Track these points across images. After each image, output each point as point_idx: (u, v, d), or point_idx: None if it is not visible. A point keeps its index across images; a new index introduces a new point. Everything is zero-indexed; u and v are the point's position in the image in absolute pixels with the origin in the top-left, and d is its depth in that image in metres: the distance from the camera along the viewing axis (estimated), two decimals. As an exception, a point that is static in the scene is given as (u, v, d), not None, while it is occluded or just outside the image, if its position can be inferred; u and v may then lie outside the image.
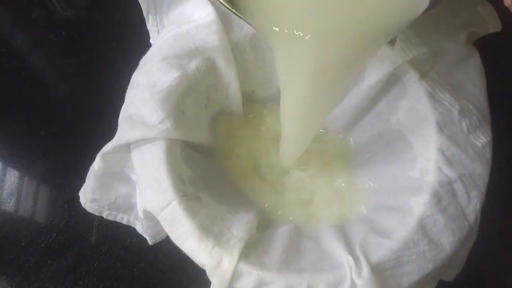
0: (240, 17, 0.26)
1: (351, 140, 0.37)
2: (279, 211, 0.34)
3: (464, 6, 0.32)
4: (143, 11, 0.34)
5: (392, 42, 0.30)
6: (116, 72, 0.42)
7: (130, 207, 0.32)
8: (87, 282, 0.36)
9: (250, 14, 0.25)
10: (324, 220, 0.33)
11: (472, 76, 0.31)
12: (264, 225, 0.31)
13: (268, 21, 0.25)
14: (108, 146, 0.29)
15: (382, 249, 0.26)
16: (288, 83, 0.27)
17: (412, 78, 0.31)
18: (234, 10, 0.26)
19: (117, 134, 0.29)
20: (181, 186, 0.27)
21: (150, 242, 0.32)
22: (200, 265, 0.26)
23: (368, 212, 0.32)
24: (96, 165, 0.29)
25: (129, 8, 0.39)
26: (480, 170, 0.29)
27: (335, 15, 0.23)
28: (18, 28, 0.46)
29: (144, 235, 0.32)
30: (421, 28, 0.31)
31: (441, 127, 0.29)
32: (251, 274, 0.25)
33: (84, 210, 0.31)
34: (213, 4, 0.31)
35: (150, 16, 0.34)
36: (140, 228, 0.32)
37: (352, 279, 0.25)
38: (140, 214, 0.29)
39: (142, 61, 0.31)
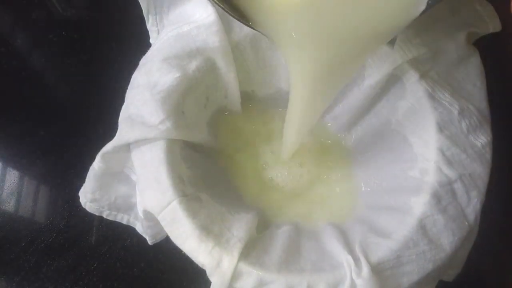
0: (242, 22, 0.26)
1: (351, 140, 0.37)
2: (279, 211, 0.34)
3: (463, 6, 0.32)
4: (143, 11, 0.34)
5: (392, 42, 0.30)
6: (116, 72, 0.41)
7: (130, 207, 0.32)
8: (87, 282, 0.36)
9: (251, 19, 0.26)
10: (324, 220, 0.33)
11: (472, 76, 0.31)
12: (264, 225, 0.31)
13: (269, 25, 0.25)
14: (108, 146, 0.29)
15: (382, 249, 0.26)
16: (296, 77, 0.28)
17: (411, 78, 0.31)
18: (233, 14, 0.26)
19: (117, 134, 0.29)
20: (181, 186, 0.27)
21: (150, 242, 0.32)
22: (200, 265, 0.26)
23: (368, 212, 0.32)
24: (96, 165, 0.29)
25: (129, 8, 0.39)
26: (480, 170, 0.29)
27: (335, 15, 0.23)
28: (18, 28, 0.46)
29: (144, 235, 0.32)
30: (421, 28, 0.31)
31: (441, 127, 0.29)
32: (251, 274, 0.25)
33: (84, 210, 0.31)
34: (213, 4, 0.31)
35: (150, 16, 0.34)
36: (140, 228, 0.32)
37: (352, 279, 0.25)
38: (140, 214, 0.29)
39: (142, 61, 0.31)
